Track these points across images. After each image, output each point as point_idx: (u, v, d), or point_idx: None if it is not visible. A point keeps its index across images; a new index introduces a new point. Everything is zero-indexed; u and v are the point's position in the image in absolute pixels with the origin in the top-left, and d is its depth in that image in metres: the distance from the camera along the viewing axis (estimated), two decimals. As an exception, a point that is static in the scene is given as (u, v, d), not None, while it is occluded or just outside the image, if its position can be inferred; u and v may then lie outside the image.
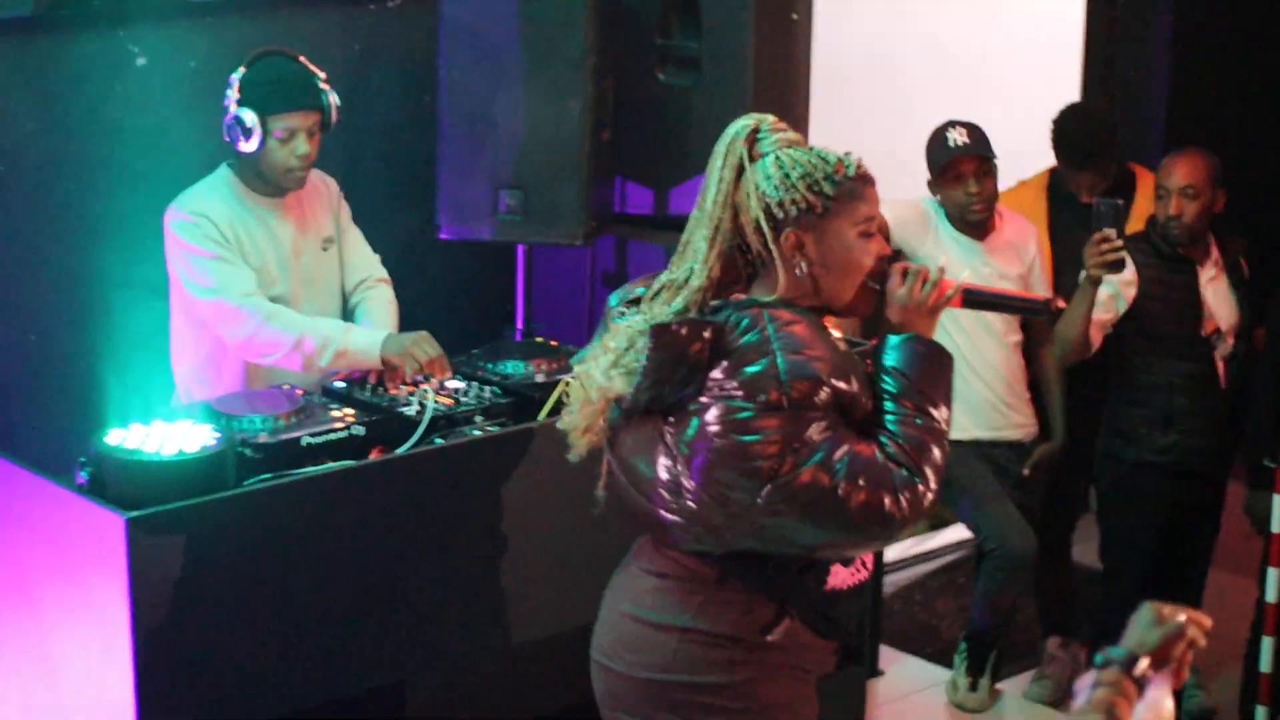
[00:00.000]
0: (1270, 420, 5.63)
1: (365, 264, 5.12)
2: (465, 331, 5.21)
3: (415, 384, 4.67)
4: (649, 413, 3.42)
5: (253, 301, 4.78)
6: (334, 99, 4.86)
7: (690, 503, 3.39)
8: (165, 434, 4.10)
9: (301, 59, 4.86)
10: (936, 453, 3.35)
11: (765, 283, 3.45)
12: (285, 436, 4.29)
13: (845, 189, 3.41)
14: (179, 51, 5.43)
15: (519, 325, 5.77)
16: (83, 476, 4.06)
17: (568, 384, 4.10)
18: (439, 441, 4.42)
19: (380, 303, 5.05)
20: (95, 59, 5.35)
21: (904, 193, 5.55)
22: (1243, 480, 5.81)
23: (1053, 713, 6.04)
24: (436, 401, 4.51)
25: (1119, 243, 5.32)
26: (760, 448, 3.29)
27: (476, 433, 4.50)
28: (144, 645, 3.89)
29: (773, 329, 3.32)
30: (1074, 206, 6.11)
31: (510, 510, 4.41)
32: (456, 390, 4.64)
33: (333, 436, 4.33)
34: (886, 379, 3.41)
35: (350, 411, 4.46)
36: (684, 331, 3.31)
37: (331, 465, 4.23)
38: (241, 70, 4.81)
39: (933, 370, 3.41)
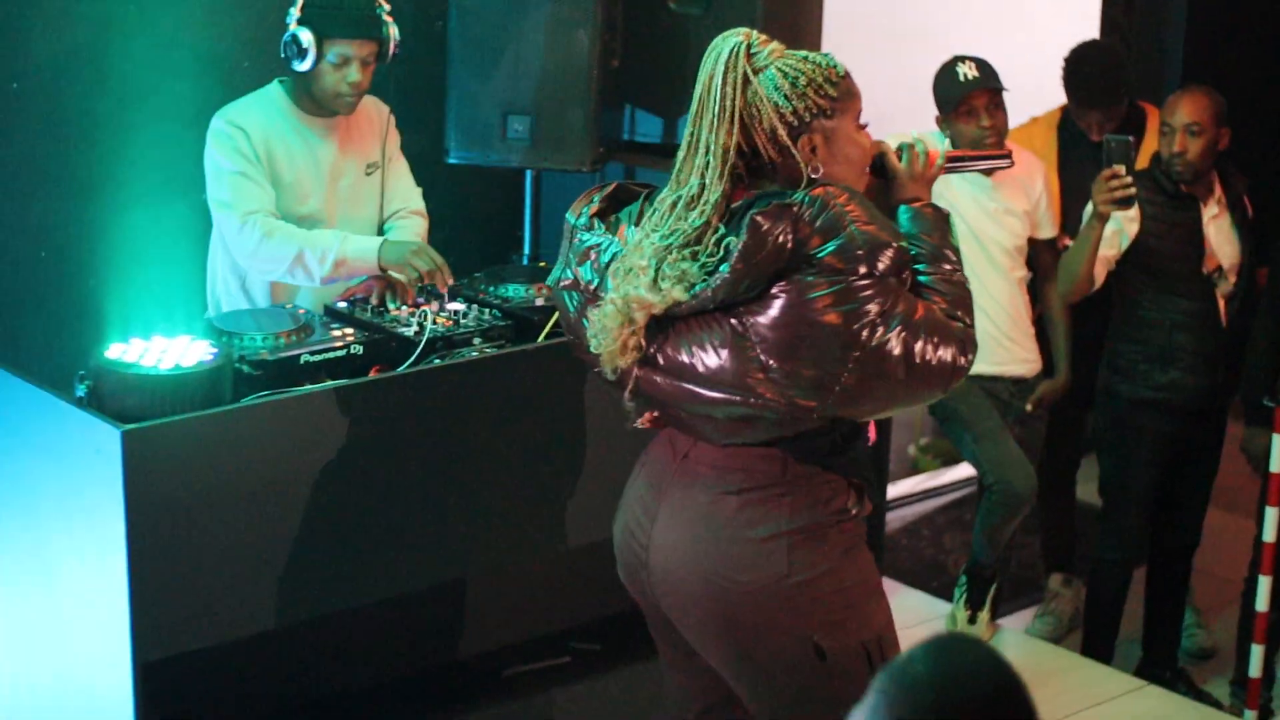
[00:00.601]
0: (1268, 359, 5.65)
1: (405, 194, 5.16)
2: (473, 257, 5.25)
3: (416, 305, 4.70)
4: (703, 313, 3.51)
5: (255, 219, 4.83)
6: (394, 31, 4.89)
7: (771, 387, 3.49)
8: (164, 349, 4.15)
9: None
10: (971, 303, 3.61)
11: (778, 184, 3.56)
12: (285, 354, 4.33)
13: (843, 89, 3.57)
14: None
15: (526, 251, 5.80)
16: (82, 390, 4.11)
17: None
18: (437, 362, 4.46)
19: (406, 232, 5.09)
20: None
21: (919, 125, 5.56)
22: (1241, 419, 5.84)
23: (1055, 648, 6.08)
24: (436, 323, 4.55)
25: (1128, 179, 5.34)
26: (846, 319, 3.43)
27: (474, 354, 4.54)
28: (138, 556, 3.94)
29: (841, 206, 3.46)
30: (1084, 144, 6.12)
31: (504, 430, 4.46)
32: (456, 312, 4.67)
33: (331, 355, 4.38)
34: (914, 244, 3.61)
35: (350, 331, 4.50)
36: (770, 221, 3.42)
37: (329, 383, 4.27)
38: None
39: (948, 230, 3.67)
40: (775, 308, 3.46)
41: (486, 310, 4.71)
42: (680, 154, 3.58)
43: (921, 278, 3.59)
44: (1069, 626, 6.43)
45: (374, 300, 4.76)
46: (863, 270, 3.44)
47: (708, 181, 3.52)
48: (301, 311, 4.62)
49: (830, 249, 3.42)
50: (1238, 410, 5.88)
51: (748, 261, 3.43)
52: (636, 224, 3.63)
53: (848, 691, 3.62)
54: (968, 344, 3.56)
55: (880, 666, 3.60)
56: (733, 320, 3.50)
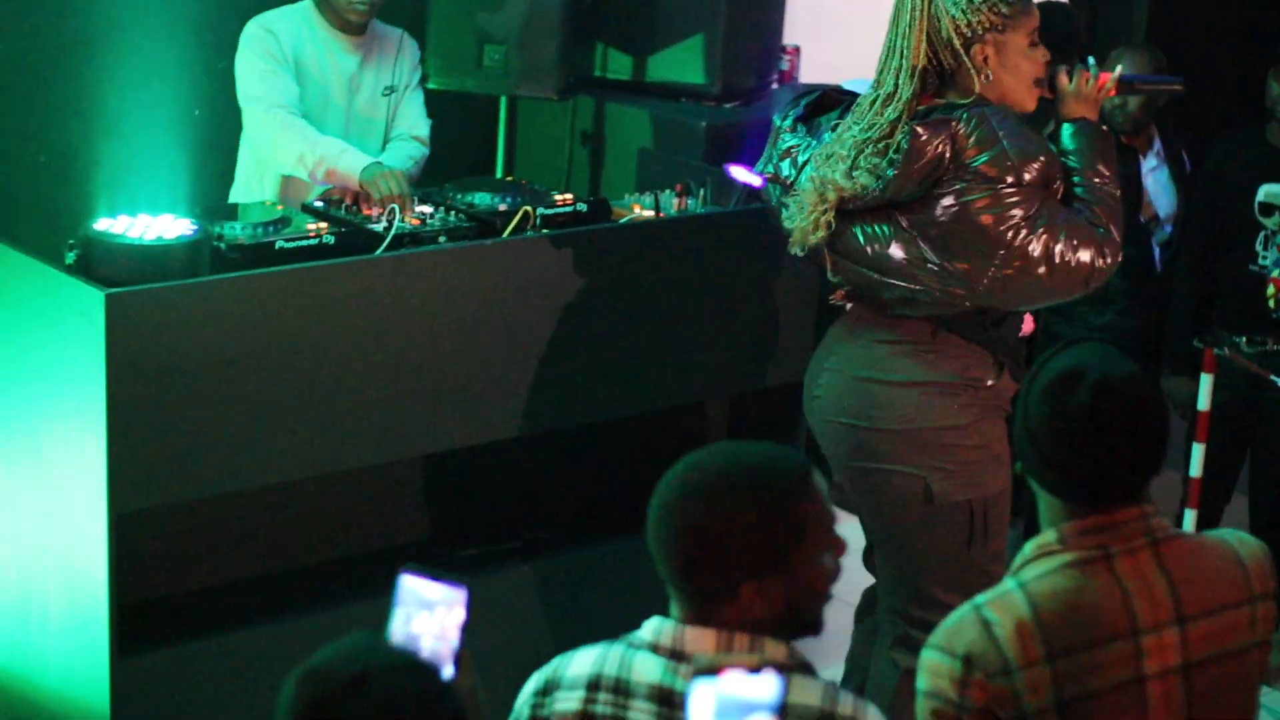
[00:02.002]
0: (1190, 304, 5.93)
1: (413, 120, 5.56)
2: (450, 177, 5.53)
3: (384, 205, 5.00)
4: (879, 206, 4.09)
5: (278, 112, 5.23)
6: None
7: (933, 276, 4.08)
8: (148, 224, 4.46)
9: None
10: (1120, 214, 4.13)
11: (957, 90, 4.13)
12: (261, 240, 4.64)
13: (1017, 6, 4.11)
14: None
15: (499, 173, 6.10)
16: (70, 259, 4.42)
17: (527, 211, 4.60)
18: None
19: (401, 152, 5.45)
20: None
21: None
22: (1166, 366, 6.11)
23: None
24: (403, 220, 4.86)
25: None
26: (996, 222, 4.00)
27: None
28: (117, 413, 4.24)
29: (995, 121, 4.02)
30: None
31: (466, 316, 4.73)
32: (424, 214, 4.97)
33: (305, 243, 4.68)
34: (1070, 158, 4.15)
35: (324, 225, 4.80)
36: (930, 132, 4.00)
37: (298, 265, 4.57)
38: None
39: (1105, 147, 4.17)
40: (937, 209, 4.04)
41: (453, 213, 5.01)
42: (881, 56, 4.14)
43: (1076, 189, 4.12)
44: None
45: (347, 200, 5.07)
46: (1011, 179, 3.99)
47: (900, 83, 4.08)
48: (280, 207, 4.94)
49: (984, 159, 3.98)
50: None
51: (908, 168, 4.01)
52: (833, 130, 4.19)
53: (944, 545, 4.18)
54: (1107, 248, 4.05)
55: (980, 529, 4.11)
56: (901, 217, 4.08)
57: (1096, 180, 4.15)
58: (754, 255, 5.14)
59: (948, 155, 4.01)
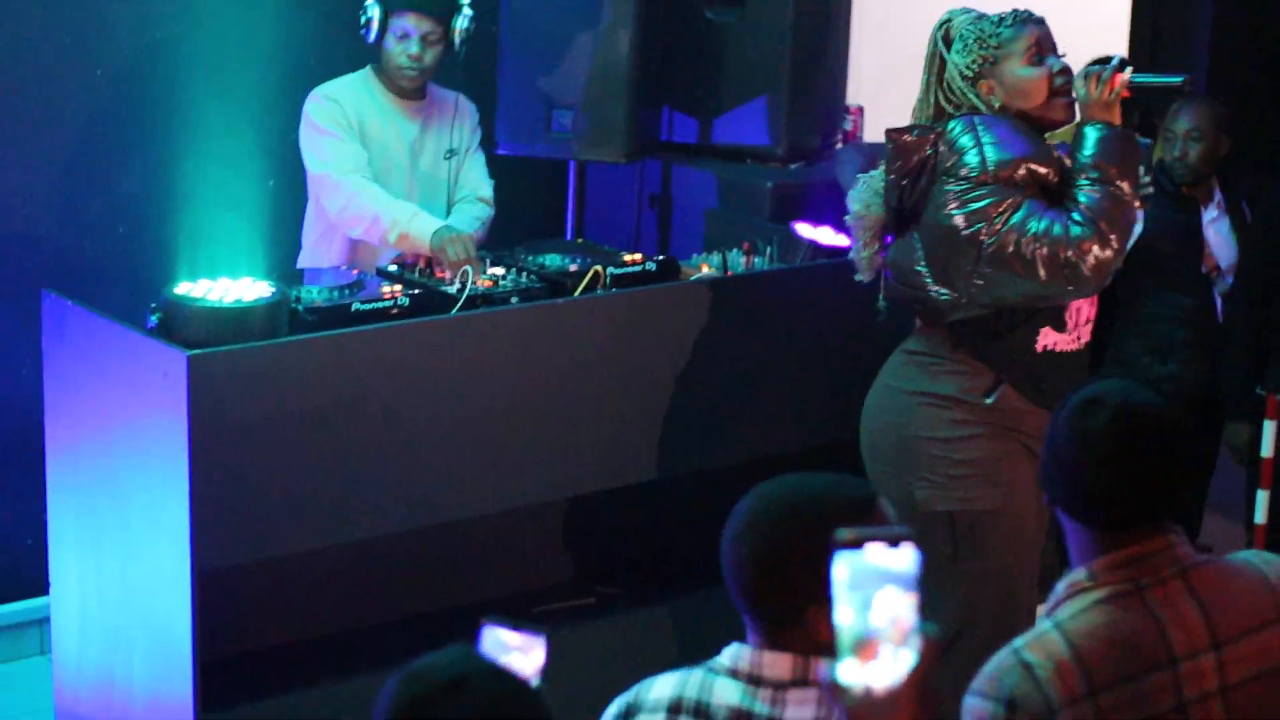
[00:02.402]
0: (1249, 351, 5.95)
1: (476, 182, 5.67)
2: (517, 242, 5.63)
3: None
4: (906, 221, 4.37)
5: (352, 178, 5.36)
6: (465, 18, 5.44)
7: (928, 280, 4.33)
8: (228, 287, 4.57)
9: None
10: (1117, 212, 4.25)
11: None
12: (338, 303, 4.74)
13: (1005, 36, 4.38)
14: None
15: (569, 236, 6.20)
16: (152, 322, 4.54)
17: (598, 271, 4.72)
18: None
19: (468, 214, 5.56)
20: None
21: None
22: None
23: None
24: (476, 283, 4.95)
25: (1146, 179, 5.68)
26: (967, 222, 4.24)
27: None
28: (199, 473, 4.33)
29: (981, 125, 4.28)
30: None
31: (538, 375, 4.83)
32: (496, 275, 5.07)
33: (380, 305, 4.78)
34: (1080, 159, 4.31)
35: (398, 287, 4.89)
36: (912, 136, 4.32)
37: (377, 324, 4.67)
38: None
39: (1117, 148, 4.31)
40: (925, 212, 4.31)
41: (524, 274, 5.11)
42: (917, 99, 4.49)
43: (1077, 187, 4.28)
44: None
45: (420, 264, 5.17)
46: (988, 180, 4.22)
47: (920, 119, 4.44)
48: (355, 271, 5.05)
49: (964, 162, 4.23)
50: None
51: (894, 170, 4.33)
52: None
53: (929, 555, 4.11)
54: (1081, 243, 4.19)
55: (963, 543, 4.21)
56: (912, 227, 4.36)
57: (1099, 178, 4.28)
58: (822, 309, 5.21)
59: (931, 160, 4.29)
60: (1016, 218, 4.21)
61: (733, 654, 2.74)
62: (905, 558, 2.11)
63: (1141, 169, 5.65)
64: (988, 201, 4.23)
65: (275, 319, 4.55)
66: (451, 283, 4.98)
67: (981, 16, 4.45)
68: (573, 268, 5.11)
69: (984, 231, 4.23)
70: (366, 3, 5.41)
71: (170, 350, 4.37)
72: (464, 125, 5.65)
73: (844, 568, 2.11)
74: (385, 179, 5.47)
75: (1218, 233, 6.06)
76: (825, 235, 5.31)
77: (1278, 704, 2.91)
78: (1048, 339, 4.42)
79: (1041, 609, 2.99)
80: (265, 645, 4.77)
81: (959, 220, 4.26)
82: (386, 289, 4.87)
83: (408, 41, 5.41)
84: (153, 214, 5.89)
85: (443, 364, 4.70)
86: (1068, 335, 4.47)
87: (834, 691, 2.13)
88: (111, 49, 5.80)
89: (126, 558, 4.61)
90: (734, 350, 5.12)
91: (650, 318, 4.98)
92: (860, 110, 6.42)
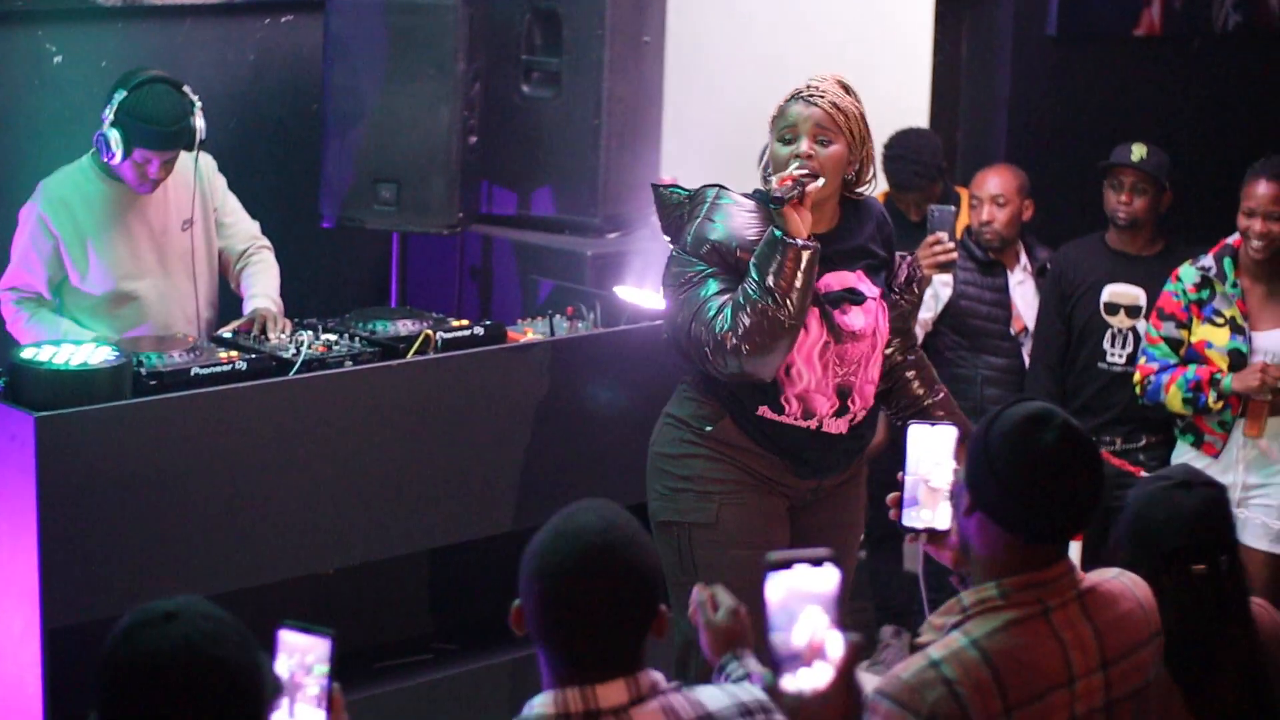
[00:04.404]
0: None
1: (245, 232, 5.64)
2: (347, 309, 5.78)
3: (293, 336, 5.21)
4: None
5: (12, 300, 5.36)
6: (199, 126, 5.25)
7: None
8: (73, 352, 4.68)
9: (184, 88, 5.28)
10: (746, 318, 4.33)
11: None
12: (178, 367, 4.85)
13: (772, 117, 4.52)
14: (91, 51, 6.03)
15: (394, 304, 6.35)
16: (0, 385, 4.63)
17: (428, 335, 4.89)
18: (313, 377, 5.01)
19: (262, 266, 5.60)
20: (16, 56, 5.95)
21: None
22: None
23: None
24: (311, 347, 5.08)
25: (950, 245, 5.85)
26: (663, 282, 4.54)
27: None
28: (49, 532, 4.46)
29: (710, 203, 4.50)
30: (904, 225, 6.69)
31: (371, 435, 5.00)
32: (330, 340, 5.20)
33: (219, 369, 4.89)
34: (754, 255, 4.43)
35: (236, 352, 5.02)
36: (669, 193, 4.58)
37: (218, 387, 4.80)
38: (123, 92, 5.23)
39: (768, 254, 4.34)
40: None
41: (356, 339, 5.25)
42: None
43: (744, 284, 4.38)
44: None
45: (255, 331, 5.28)
46: (688, 253, 4.46)
47: None
48: (192, 339, 5.16)
49: (686, 231, 4.49)
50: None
51: (659, 217, 4.64)
52: None
53: (665, 562, 4.45)
54: (720, 332, 4.34)
55: (688, 558, 4.43)
56: None
57: (757, 282, 4.33)
58: (646, 368, 5.36)
59: (671, 225, 4.58)
60: (691, 294, 4.44)
61: (546, 701, 2.83)
62: (828, 577, 2.39)
63: (945, 234, 5.93)
64: (680, 270, 4.48)
65: (119, 382, 4.66)
66: (286, 348, 5.08)
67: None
68: (404, 332, 5.27)
69: (670, 298, 4.51)
70: (106, 127, 5.23)
71: (17, 413, 4.47)
72: (204, 186, 5.52)
73: (775, 588, 2.38)
74: (118, 269, 5.37)
75: (1024, 296, 6.34)
76: (646, 299, 5.51)
77: (1141, 713, 3.16)
78: (763, 410, 4.57)
79: (936, 619, 3.16)
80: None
81: (664, 279, 4.55)
82: (224, 354, 4.98)
83: (149, 167, 5.28)
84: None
85: (282, 425, 4.85)
86: (788, 415, 4.57)
87: (773, 697, 2.39)
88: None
89: (-27, 618, 4.68)
90: (561, 410, 5.30)
91: (480, 379, 5.16)
92: (674, 181, 6.63)
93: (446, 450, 5.11)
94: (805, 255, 4.34)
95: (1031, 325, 6.33)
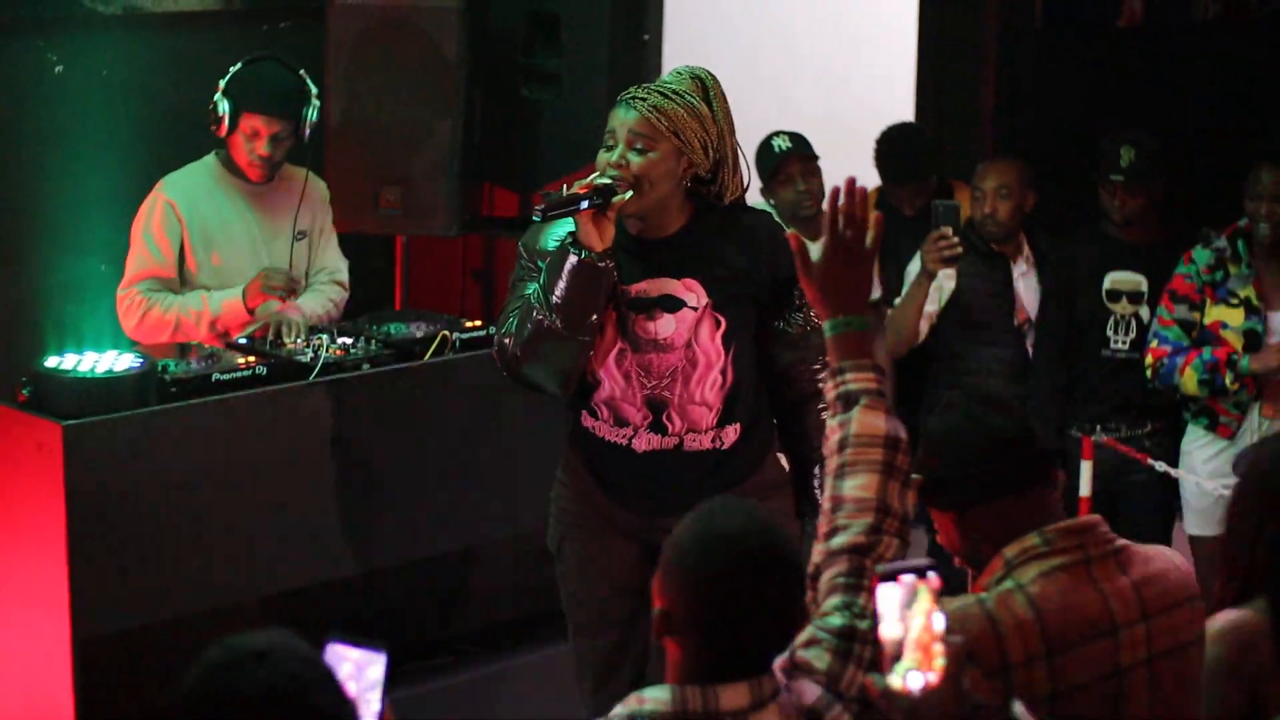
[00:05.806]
0: (1051, 403, 6.24)
1: (330, 261, 5.70)
2: (355, 310, 5.79)
3: (309, 340, 5.22)
4: None
5: (143, 293, 5.39)
6: (314, 109, 5.47)
7: None
8: (96, 359, 4.68)
9: (300, 72, 5.46)
10: (526, 326, 4.15)
11: None
12: (198, 373, 4.85)
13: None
14: (92, 61, 6.03)
15: (398, 309, 6.35)
16: (24, 394, 4.62)
17: (445, 335, 4.89)
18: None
19: (316, 290, 5.62)
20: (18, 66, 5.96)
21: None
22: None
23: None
24: (329, 351, 5.09)
25: (955, 240, 5.86)
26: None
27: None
28: (77, 540, 4.46)
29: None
30: (898, 219, 6.71)
31: (396, 435, 5.02)
32: (346, 343, 5.21)
33: (239, 374, 4.90)
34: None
35: (254, 358, 5.02)
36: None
37: (238, 393, 4.81)
38: (238, 65, 5.43)
39: (554, 264, 4.12)
40: None
41: (372, 342, 5.26)
42: None
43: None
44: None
45: (270, 335, 5.28)
46: (522, 257, 4.28)
47: None
48: (210, 345, 5.17)
49: None
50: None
51: None
52: None
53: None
54: (507, 343, 4.17)
55: (558, 568, 4.43)
56: None
57: (538, 289, 4.14)
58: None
59: None
60: (510, 297, 4.25)
61: (663, 697, 2.73)
62: (931, 583, 2.51)
63: (950, 230, 5.95)
64: (513, 274, 4.31)
65: (144, 388, 4.66)
66: (304, 352, 5.09)
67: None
68: (419, 334, 5.28)
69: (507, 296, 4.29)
70: (216, 97, 5.41)
71: (43, 422, 4.46)
72: (313, 204, 5.66)
73: (894, 593, 2.51)
74: (234, 269, 5.48)
75: (1027, 287, 6.35)
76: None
77: (1184, 674, 3.18)
78: (586, 422, 4.35)
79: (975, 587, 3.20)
80: (146, 710, 4.83)
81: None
82: (242, 360, 4.99)
83: (258, 140, 5.42)
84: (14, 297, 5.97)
85: (304, 429, 4.86)
86: (612, 431, 4.32)
87: (887, 699, 2.43)
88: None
89: (4, 631, 4.67)
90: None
91: (498, 379, 5.13)
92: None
93: (469, 450, 5.11)
94: (586, 268, 4.07)
95: (1034, 315, 6.33)
